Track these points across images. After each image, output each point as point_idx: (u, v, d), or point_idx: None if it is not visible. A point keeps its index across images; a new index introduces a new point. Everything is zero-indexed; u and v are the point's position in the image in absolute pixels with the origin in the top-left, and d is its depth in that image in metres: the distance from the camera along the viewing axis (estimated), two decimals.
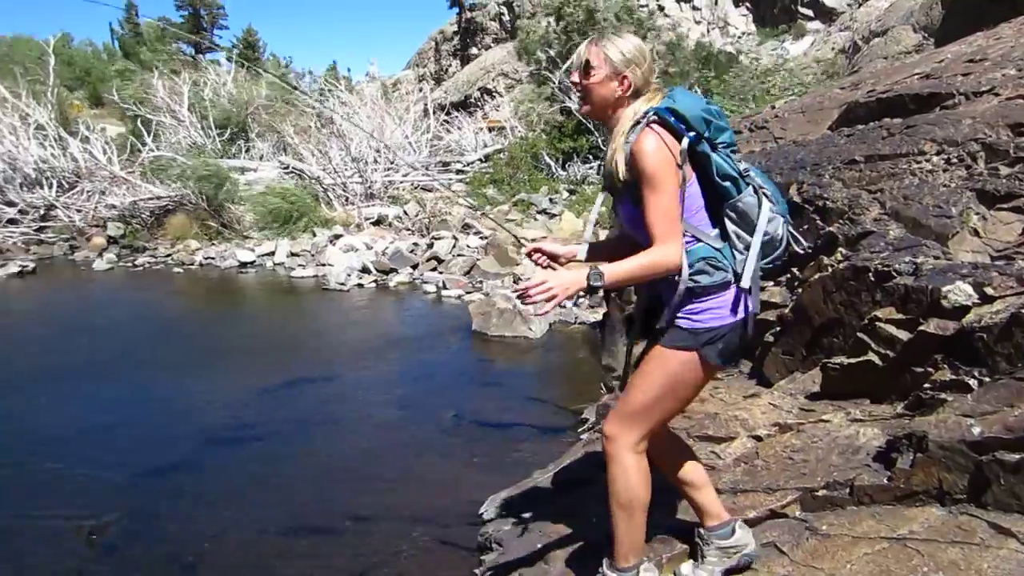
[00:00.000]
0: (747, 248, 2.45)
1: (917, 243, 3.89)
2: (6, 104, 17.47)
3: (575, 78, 2.59)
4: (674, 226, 2.36)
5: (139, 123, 19.89)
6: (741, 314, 2.50)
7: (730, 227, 2.46)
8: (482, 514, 4.56)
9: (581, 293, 2.38)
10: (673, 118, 2.37)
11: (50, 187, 16.80)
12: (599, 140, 16.85)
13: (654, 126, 2.38)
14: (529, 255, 2.87)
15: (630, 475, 2.58)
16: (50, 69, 20.55)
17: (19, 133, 17.06)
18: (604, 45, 2.47)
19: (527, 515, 4.15)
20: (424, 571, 4.19)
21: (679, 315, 2.49)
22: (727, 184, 2.42)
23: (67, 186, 17.21)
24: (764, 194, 2.47)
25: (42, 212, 16.59)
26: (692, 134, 2.37)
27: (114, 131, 21.78)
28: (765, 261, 2.52)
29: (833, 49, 16.38)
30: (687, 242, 2.44)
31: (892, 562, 2.57)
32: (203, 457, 5.82)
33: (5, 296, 12.20)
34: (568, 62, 2.56)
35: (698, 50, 18.90)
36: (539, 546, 3.63)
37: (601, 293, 2.79)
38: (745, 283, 2.44)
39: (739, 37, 22.61)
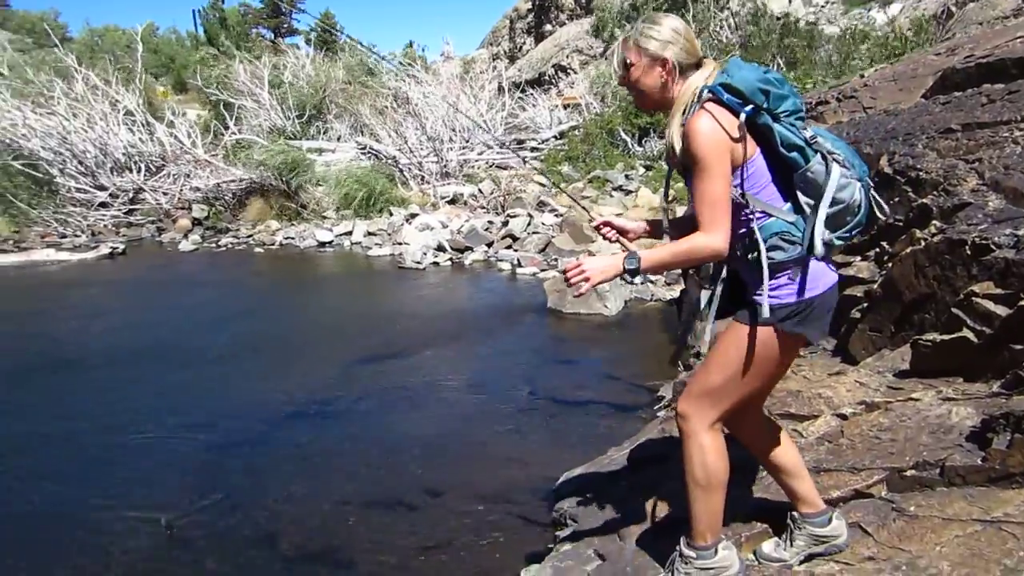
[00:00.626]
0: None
1: (1019, 215, 3.68)
2: (97, 91, 18.13)
3: (619, 80, 2.57)
4: (721, 213, 2.30)
5: (221, 107, 20.42)
6: (821, 289, 2.42)
7: (802, 199, 2.36)
8: (557, 490, 4.56)
9: (620, 277, 2.39)
10: (728, 94, 2.31)
11: (138, 171, 17.38)
12: None
13: (708, 105, 2.32)
14: (598, 228, 2.87)
15: (706, 453, 2.54)
16: (137, 56, 21.18)
17: (109, 119, 17.69)
18: (634, 38, 2.45)
19: (602, 492, 4.13)
20: (498, 545, 4.21)
21: (757, 292, 2.42)
22: (793, 154, 2.33)
23: (154, 170, 17.77)
24: (835, 159, 2.34)
25: (131, 195, 17.20)
26: (750, 107, 2.29)
27: (197, 115, 22.41)
28: (845, 230, 2.41)
29: (923, 15, 15.61)
30: (759, 217, 2.37)
31: (985, 545, 2.47)
32: (279, 434, 5.94)
33: (97, 276, 12.71)
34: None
35: (780, 21, 18.25)
36: (614, 522, 3.61)
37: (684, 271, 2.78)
38: (818, 251, 2.34)
39: (823, 5, 21.76)
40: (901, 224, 4.41)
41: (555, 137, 19.18)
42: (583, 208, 3.66)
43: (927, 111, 5.11)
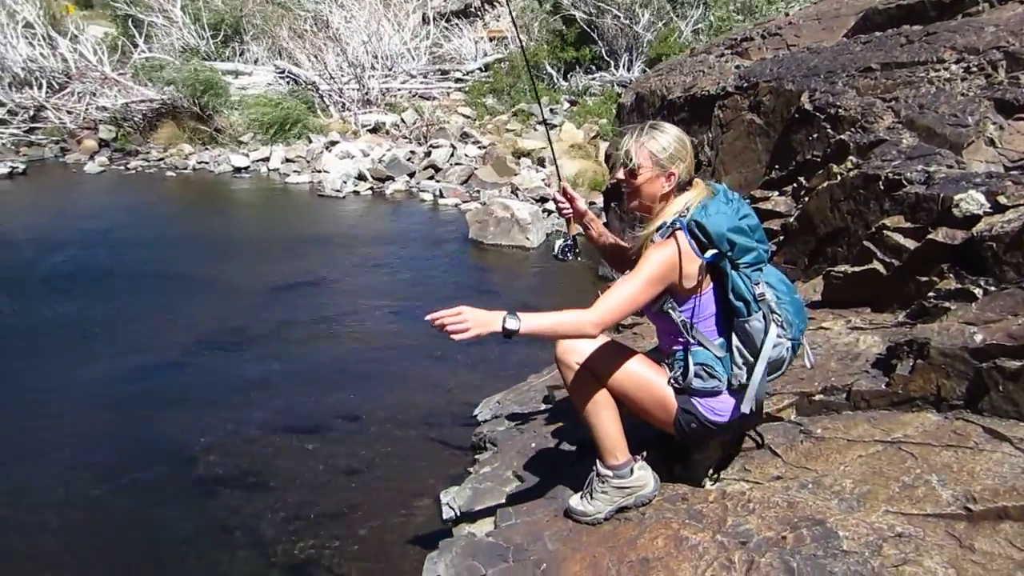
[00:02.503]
0: (745, 364, 2.56)
1: (931, 152, 3.80)
2: None
3: (621, 175, 2.63)
4: (619, 313, 2.48)
5: (130, 24, 19.26)
6: (725, 417, 2.63)
7: (735, 341, 2.56)
8: (477, 415, 4.60)
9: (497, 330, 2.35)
10: (698, 233, 2.45)
11: (39, 88, 16.33)
12: (602, 51, 16.40)
13: (679, 234, 2.46)
14: (564, 194, 2.97)
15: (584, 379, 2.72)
16: None
17: (7, 31, 16.49)
18: (647, 143, 2.53)
19: (521, 417, 4.18)
20: (418, 469, 4.23)
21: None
22: (739, 304, 2.50)
23: (57, 87, 16.71)
24: (775, 320, 2.53)
25: (32, 113, 16.15)
26: (712, 254, 2.46)
27: (104, 33, 21.09)
28: (767, 379, 2.66)
29: None
30: (692, 345, 2.58)
31: (885, 464, 2.58)
32: (194, 361, 5.79)
33: None
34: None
35: None
36: (533, 446, 3.66)
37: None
38: (745, 408, 2.58)
39: None
40: (819, 160, 4.50)
41: (480, 69, 18.82)
42: (557, 168, 3.71)
43: (848, 50, 5.18)
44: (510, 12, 6.56)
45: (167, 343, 6.08)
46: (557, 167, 3.84)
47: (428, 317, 2.28)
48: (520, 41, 5.59)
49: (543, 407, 4.17)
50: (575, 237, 3.15)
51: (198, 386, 5.36)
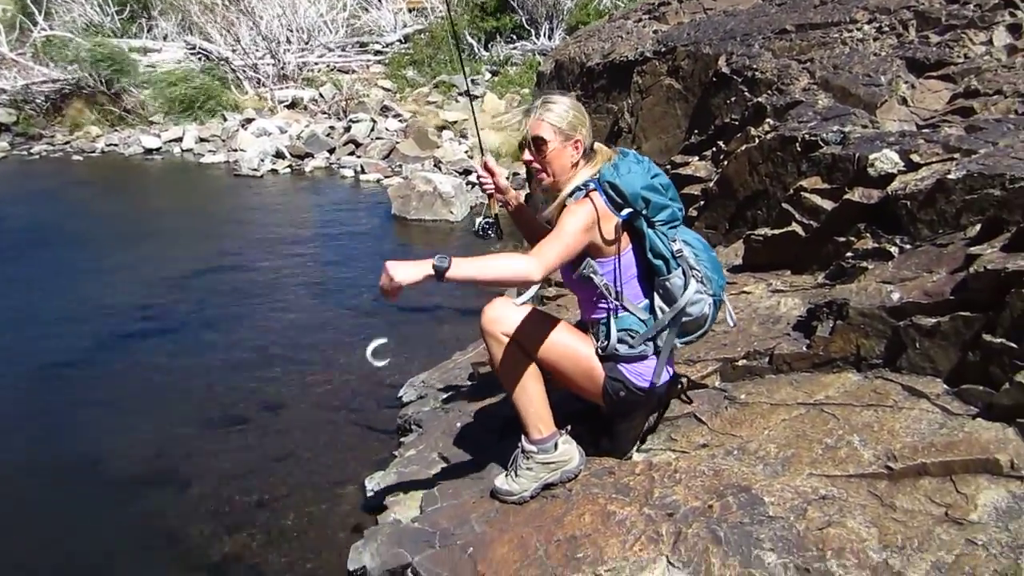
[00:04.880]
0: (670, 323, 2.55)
1: (845, 112, 3.81)
2: None
3: (527, 156, 2.58)
4: (557, 259, 2.38)
5: (29, 0, 18.25)
6: (651, 382, 2.61)
7: (657, 301, 2.55)
8: (401, 397, 4.49)
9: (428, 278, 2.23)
10: (612, 193, 2.43)
11: None
12: (523, 19, 16.24)
13: (593, 194, 2.44)
14: (486, 168, 2.88)
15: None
16: None
17: None
18: (545, 116, 2.50)
19: (446, 396, 4.08)
20: (343, 455, 4.13)
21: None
22: (658, 262, 2.49)
23: None
24: (694, 275, 2.52)
25: None
26: (627, 212, 2.43)
27: (1, 9, 19.96)
28: (689, 337, 2.65)
29: None
30: (615, 309, 2.54)
31: (808, 426, 2.59)
32: (108, 351, 5.54)
33: None
34: None
35: None
36: (458, 425, 3.57)
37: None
38: (664, 350, 2.59)
39: None
40: (737, 123, 4.48)
41: (400, 41, 18.46)
42: (480, 141, 3.66)
43: (764, 12, 5.18)
44: None
45: (73, 336, 5.78)
46: (480, 140, 3.73)
47: (380, 293, 2.25)
48: (448, 5, 5.40)
49: (468, 385, 4.09)
50: (497, 215, 3.05)
51: (109, 379, 5.11)
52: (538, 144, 2.51)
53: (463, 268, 2.23)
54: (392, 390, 4.62)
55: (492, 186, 2.91)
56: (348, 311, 6.14)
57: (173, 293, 6.64)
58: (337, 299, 6.46)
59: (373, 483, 3.54)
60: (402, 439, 3.97)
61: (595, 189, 2.45)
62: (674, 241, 2.51)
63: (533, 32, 16.13)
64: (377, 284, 2.25)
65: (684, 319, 2.56)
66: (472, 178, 9.38)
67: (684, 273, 2.51)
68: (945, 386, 2.50)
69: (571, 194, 2.50)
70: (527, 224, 2.97)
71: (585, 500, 2.60)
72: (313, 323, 5.98)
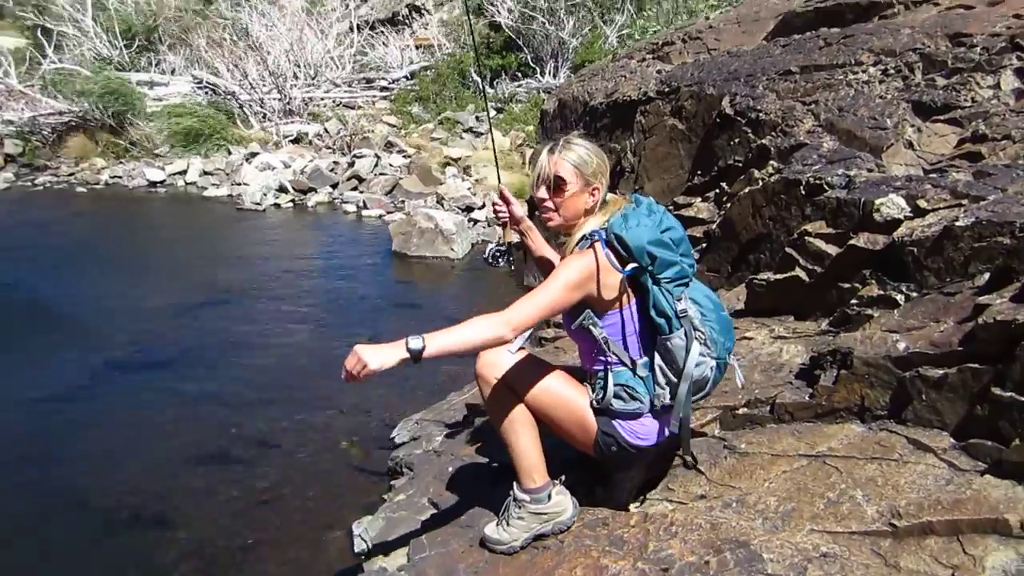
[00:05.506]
0: (668, 384, 2.45)
1: (851, 155, 3.74)
2: None
3: (543, 194, 2.50)
4: (533, 318, 2.30)
5: (39, 33, 18.49)
6: (649, 441, 2.52)
7: (657, 360, 2.45)
8: (394, 437, 4.39)
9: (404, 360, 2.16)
10: (617, 246, 2.36)
11: None
12: (528, 57, 16.37)
13: (597, 246, 2.37)
14: (502, 196, 2.84)
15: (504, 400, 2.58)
16: None
17: None
18: (569, 156, 2.45)
19: (439, 438, 3.99)
20: (332, 497, 4.04)
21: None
22: (660, 320, 2.40)
23: None
24: (698, 338, 2.42)
25: None
26: (631, 267, 2.35)
27: (12, 43, 20.20)
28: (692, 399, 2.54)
29: None
30: (613, 364, 2.46)
31: (810, 479, 2.49)
32: (106, 383, 5.49)
33: None
34: None
35: None
36: (450, 470, 3.47)
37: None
38: (673, 427, 2.48)
39: None
40: (740, 165, 4.43)
41: (406, 77, 18.61)
42: (497, 169, 3.52)
43: (768, 53, 5.16)
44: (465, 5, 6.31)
45: (69, 368, 5.72)
46: (498, 168, 3.61)
47: (342, 377, 2.16)
48: (471, 30, 5.38)
49: (462, 427, 3.99)
50: (510, 244, 2.98)
51: (98, 414, 5.04)
52: (558, 184, 2.45)
53: (438, 343, 2.17)
54: (386, 430, 4.54)
55: (507, 215, 2.86)
56: (344, 349, 6.03)
57: (167, 327, 6.58)
58: (334, 336, 6.39)
59: (360, 528, 3.45)
60: (392, 482, 3.87)
61: (599, 240, 2.38)
62: (680, 300, 2.41)
63: (538, 70, 16.25)
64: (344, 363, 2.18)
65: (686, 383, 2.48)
66: (475, 215, 9.36)
67: (686, 334, 2.40)
68: (952, 440, 2.41)
69: (577, 243, 2.44)
70: (542, 259, 2.91)
71: (577, 553, 2.50)
72: (309, 361, 5.90)
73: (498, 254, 2.99)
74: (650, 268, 2.36)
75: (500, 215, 2.88)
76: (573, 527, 2.66)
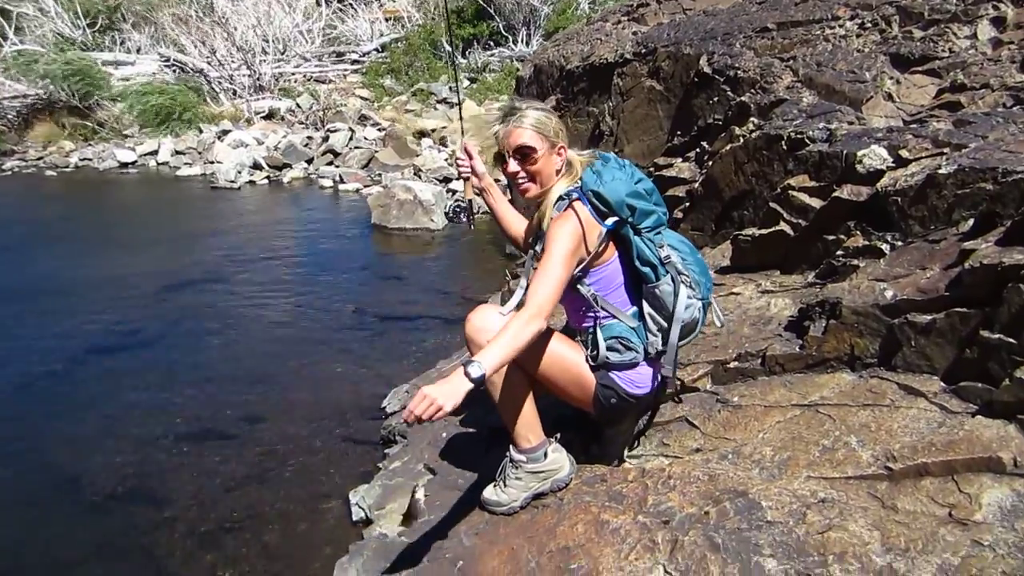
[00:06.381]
0: (660, 330, 2.50)
1: (831, 109, 3.76)
2: None
3: (514, 167, 2.48)
4: (554, 297, 2.29)
5: None
6: (646, 389, 2.57)
7: (646, 308, 2.50)
8: (385, 407, 4.40)
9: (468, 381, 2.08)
10: (596, 201, 2.37)
11: None
12: (500, 25, 16.22)
13: (576, 204, 2.37)
14: (465, 150, 2.85)
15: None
16: None
17: None
18: (524, 122, 2.43)
19: None
20: (326, 468, 4.03)
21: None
22: (646, 269, 2.44)
23: None
24: (683, 281, 2.48)
25: None
26: (613, 220, 2.37)
27: None
28: (681, 342, 2.57)
29: None
30: (603, 318, 2.48)
31: (804, 428, 2.53)
32: (86, 365, 5.42)
33: None
34: None
35: None
36: (444, 435, 3.48)
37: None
38: (667, 372, 2.54)
39: None
40: (720, 123, 4.44)
41: (376, 50, 18.38)
42: (461, 125, 3.54)
43: (744, 11, 5.15)
44: None
45: (50, 351, 5.64)
46: (462, 124, 3.58)
47: (403, 420, 2.10)
48: (445, 4, 5.29)
49: None
50: (471, 201, 2.98)
51: (83, 396, 4.97)
52: (525, 153, 2.43)
53: (492, 362, 2.12)
54: (377, 400, 4.53)
55: (468, 169, 2.84)
56: (329, 322, 6.03)
57: (150, 307, 6.51)
58: (317, 311, 6.35)
59: (357, 497, 3.46)
60: (386, 450, 3.89)
61: (578, 199, 2.37)
62: (661, 247, 2.45)
63: (510, 38, 16.11)
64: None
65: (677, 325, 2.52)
66: (453, 185, 9.30)
67: (673, 279, 2.45)
68: (942, 384, 2.45)
69: (555, 204, 2.42)
70: (503, 218, 2.90)
71: (577, 509, 2.52)
72: (294, 335, 5.87)
73: (459, 209, 3.01)
74: (630, 220, 2.39)
75: (462, 169, 2.86)
76: (572, 484, 2.67)
